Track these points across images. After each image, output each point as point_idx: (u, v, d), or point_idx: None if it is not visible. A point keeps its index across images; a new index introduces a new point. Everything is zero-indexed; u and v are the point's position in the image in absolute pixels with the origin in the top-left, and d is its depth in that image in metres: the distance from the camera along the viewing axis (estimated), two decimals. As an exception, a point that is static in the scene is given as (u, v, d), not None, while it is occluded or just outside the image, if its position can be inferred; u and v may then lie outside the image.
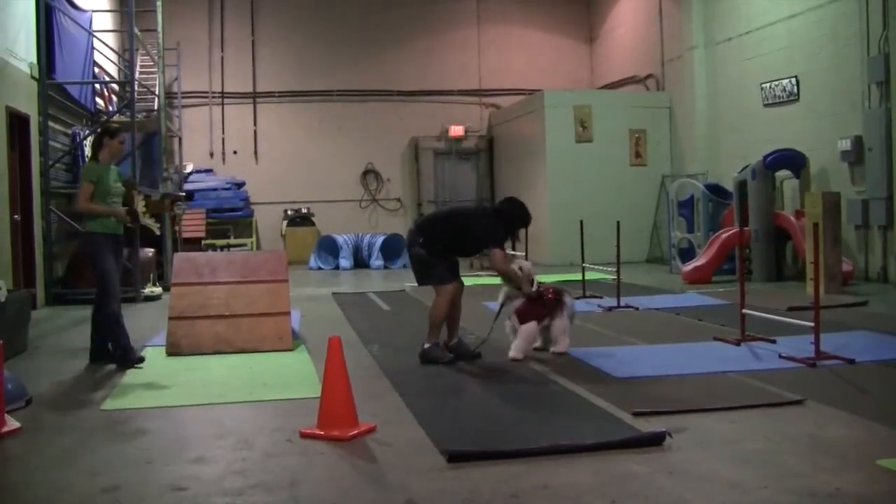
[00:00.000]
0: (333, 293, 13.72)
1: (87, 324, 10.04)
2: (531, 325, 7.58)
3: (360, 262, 19.50)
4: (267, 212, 21.65)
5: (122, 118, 15.59)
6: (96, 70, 16.39)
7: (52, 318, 11.21)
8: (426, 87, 22.73)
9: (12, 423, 5.43)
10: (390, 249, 19.17)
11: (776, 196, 14.67)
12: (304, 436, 5.09)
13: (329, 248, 19.82)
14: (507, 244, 8.01)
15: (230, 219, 20.92)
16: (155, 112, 16.74)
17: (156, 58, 16.35)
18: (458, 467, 4.47)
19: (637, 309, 10.80)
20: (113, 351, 7.72)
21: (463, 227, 7.75)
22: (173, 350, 8.19)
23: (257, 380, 6.98)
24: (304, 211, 21.72)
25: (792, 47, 15.18)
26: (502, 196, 21.99)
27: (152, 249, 14.11)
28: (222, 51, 21.95)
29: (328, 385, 5.17)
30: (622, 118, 19.34)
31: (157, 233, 8.59)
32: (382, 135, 22.37)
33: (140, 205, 8.31)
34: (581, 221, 12.94)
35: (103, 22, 17.60)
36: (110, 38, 18.26)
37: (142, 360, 7.65)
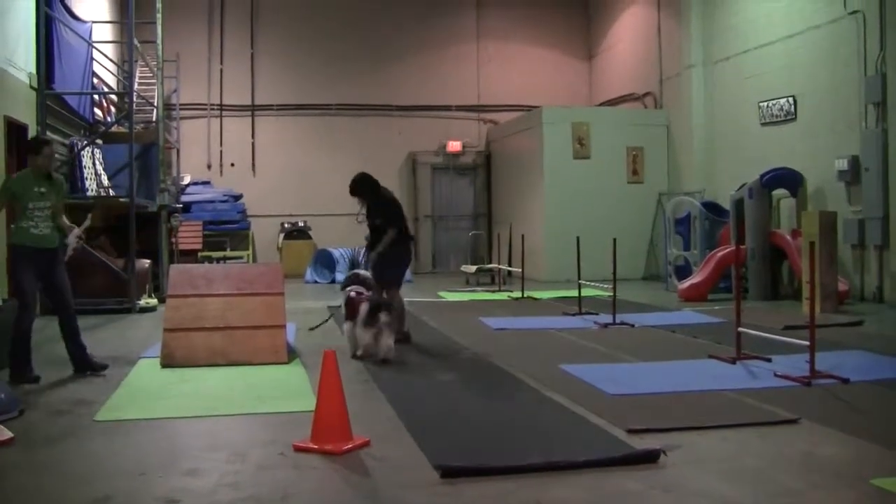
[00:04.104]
0: (329, 306, 13.69)
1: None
2: (347, 324, 8.65)
3: (357, 277, 19.45)
4: (264, 224, 21.65)
5: (121, 129, 15.62)
6: (95, 81, 16.41)
7: (46, 328, 11.14)
8: (424, 102, 22.76)
9: (5, 433, 5.40)
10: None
11: (773, 215, 14.70)
12: (297, 449, 5.07)
13: (325, 261, 19.81)
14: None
15: (227, 231, 20.89)
16: (153, 123, 16.76)
17: (155, 69, 16.38)
18: (452, 483, 4.46)
19: (633, 326, 10.78)
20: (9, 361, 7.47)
21: None
22: (168, 362, 8.17)
23: (251, 392, 6.96)
24: (301, 224, 21.71)
25: (790, 67, 15.24)
26: (499, 212, 22.23)
27: (148, 261, 14.10)
28: (221, 63, 21.99)
29: (322, 398, 5.16)
30: (620, 135, 19.37)
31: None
32: (380, 149, 22.36)
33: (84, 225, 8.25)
34: (577, 238, 12.95)
35: (103, 33, 17.64)
36: (110, 50, 18.31)
37: (37, 379, 7.37)
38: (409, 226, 10.06)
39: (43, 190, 7.59)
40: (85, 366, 7.79)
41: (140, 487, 4.46)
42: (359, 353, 8.45)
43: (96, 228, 8.40)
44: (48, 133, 13.23)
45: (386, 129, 22.54)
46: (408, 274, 19.34)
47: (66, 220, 8.05)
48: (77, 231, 8.14)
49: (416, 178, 22.82)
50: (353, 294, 8.78)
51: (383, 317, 8.28)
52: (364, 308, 8.36)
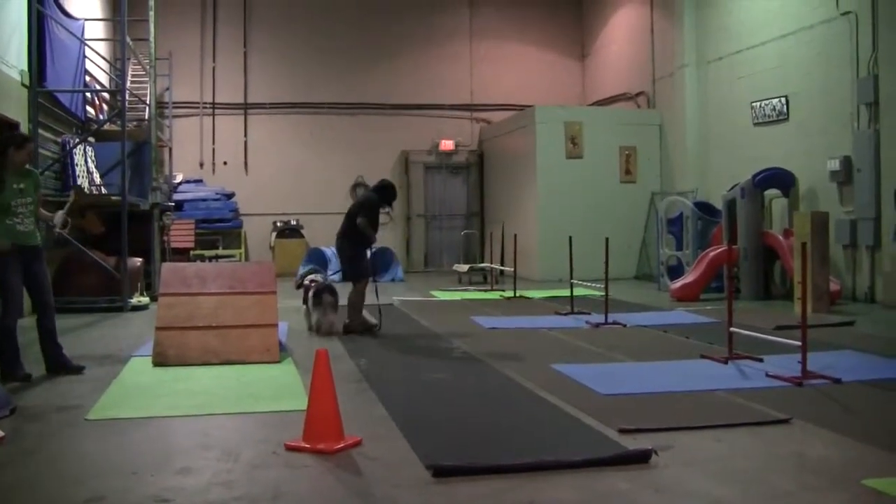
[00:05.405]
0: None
1: (69, 333, 10.02)
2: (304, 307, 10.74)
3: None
4: (256, 223, 21.62)
5: (113, 127, 15.57)
6: (87, 78, 16.36)
7: (35, 327, 11.10)
8: (417, 101, 22.74)
9: (-4, 432, 5.40)
10: (379, 263, 19.11)
11: (765, 215, 14.73)
12: (289, 448, 5.06)
13: (318, 260, 19.75)
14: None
15: (219, 229, 20.87)
16: (146, 121, 16.72)
17: (147, 67, 16.34)
18: (444, 482, 4.46)
19: (625, 325, 10.80)
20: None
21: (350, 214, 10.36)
22: (160, 360, 8.15)
23: (244, 391, 6.95)
24: (294, 223, 21.68)
25: (782, 67, 15.27)
26: (492, 211, 22.25)
27: (140, 259, 14.07)
28: (214, 61, 21.94)
29: (314, 398, 5.15)
30: (613, 135, 19.40)
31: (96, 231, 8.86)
32: (373, 148, 22.36)
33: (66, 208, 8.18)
34: (570, 237, 12.95)
35: (95, 31, 17.59)
36: (102, 47, 18.23)
37: (28, 377, 7.33)
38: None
39: (22, 186, 7.46)
40: (59, 366, 7.70)
41: (132, 486, 4.45)
42: (311, 329, 10.23)
43: (79, 206, 8.33)
44: (40, 131, 13.18)
45: (378, 127, 22.52)
46: (399, 272, 19.49)
47: (45, 211, 8.01)
48: (61, 212, 8.13)
49: (408, 177, 22.80)
50: (307, 282, 10.79)
51: (326, 297, 10.09)
52: (311, 292, 10.27)
